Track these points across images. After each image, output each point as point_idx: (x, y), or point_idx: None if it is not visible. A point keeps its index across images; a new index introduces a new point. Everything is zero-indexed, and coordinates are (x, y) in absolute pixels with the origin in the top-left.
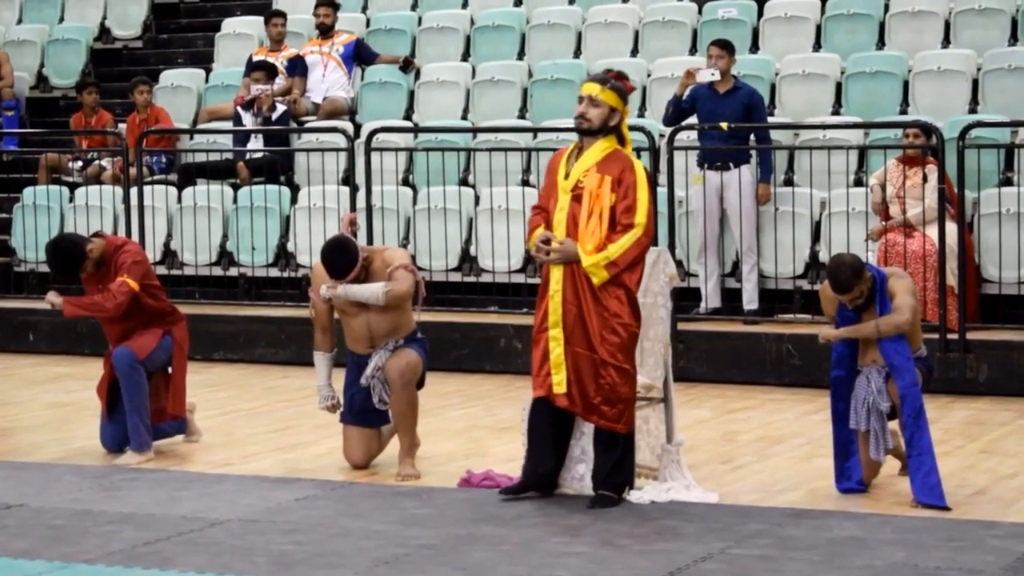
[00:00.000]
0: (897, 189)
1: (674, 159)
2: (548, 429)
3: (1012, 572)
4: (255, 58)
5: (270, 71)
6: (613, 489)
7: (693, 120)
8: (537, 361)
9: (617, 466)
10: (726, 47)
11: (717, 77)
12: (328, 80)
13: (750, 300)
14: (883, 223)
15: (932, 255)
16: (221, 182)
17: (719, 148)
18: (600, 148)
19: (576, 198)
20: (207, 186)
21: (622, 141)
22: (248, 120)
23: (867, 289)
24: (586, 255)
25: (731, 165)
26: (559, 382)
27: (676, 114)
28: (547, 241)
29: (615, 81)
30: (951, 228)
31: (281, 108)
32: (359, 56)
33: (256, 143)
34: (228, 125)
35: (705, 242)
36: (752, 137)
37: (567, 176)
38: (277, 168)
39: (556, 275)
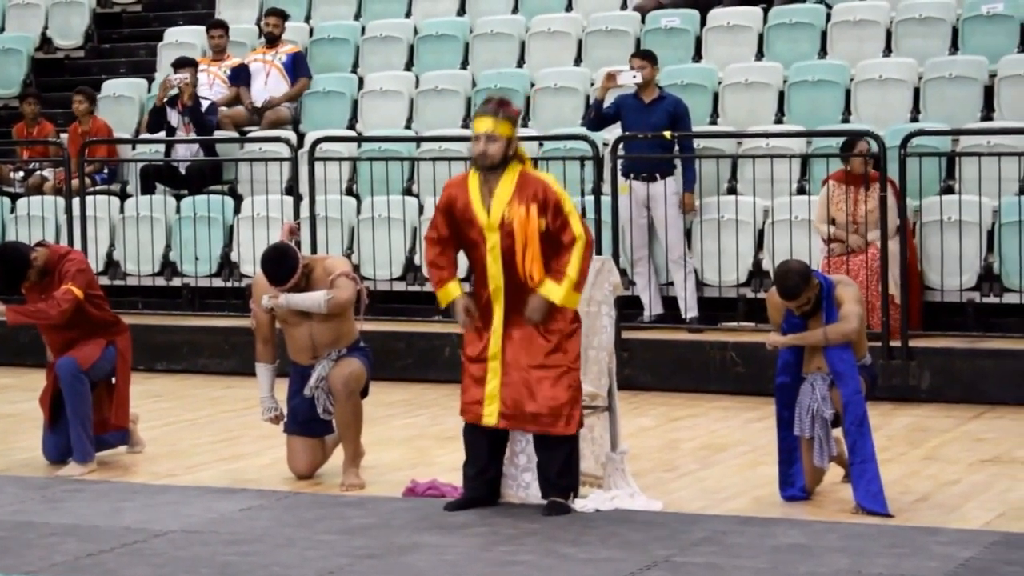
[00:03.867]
0: (851, 215)
1: (617, 168)
2: (484, 438)
3: None
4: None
5: (191, 64)
6: (563, 493)
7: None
8: (470, 387)
9: (566, 467)
10: (648, 57)
11: (639, 80)
12: (270, 88)
13: (689, 309)
14: (830, 248)
15: (875, 258)
16: (165, 191)
17: (663, 157)
18: (510, 178)
19: (507, 234)
20: (150, 196)
21: (521, 160)
22: (174, 117)
23: (814, 296)
24: (556, 291)
25: (657, 176)
26: (490, 413)
27: (597, 119)
28: (471, 317)
29: (505, 110)
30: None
31: (206, 102)
32: (296, 69)
33: (194, 145)
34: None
35: (632, 253)
36: (676, 147)
37: (488, 213)
38: (220, 169)
39: (498, 313)
